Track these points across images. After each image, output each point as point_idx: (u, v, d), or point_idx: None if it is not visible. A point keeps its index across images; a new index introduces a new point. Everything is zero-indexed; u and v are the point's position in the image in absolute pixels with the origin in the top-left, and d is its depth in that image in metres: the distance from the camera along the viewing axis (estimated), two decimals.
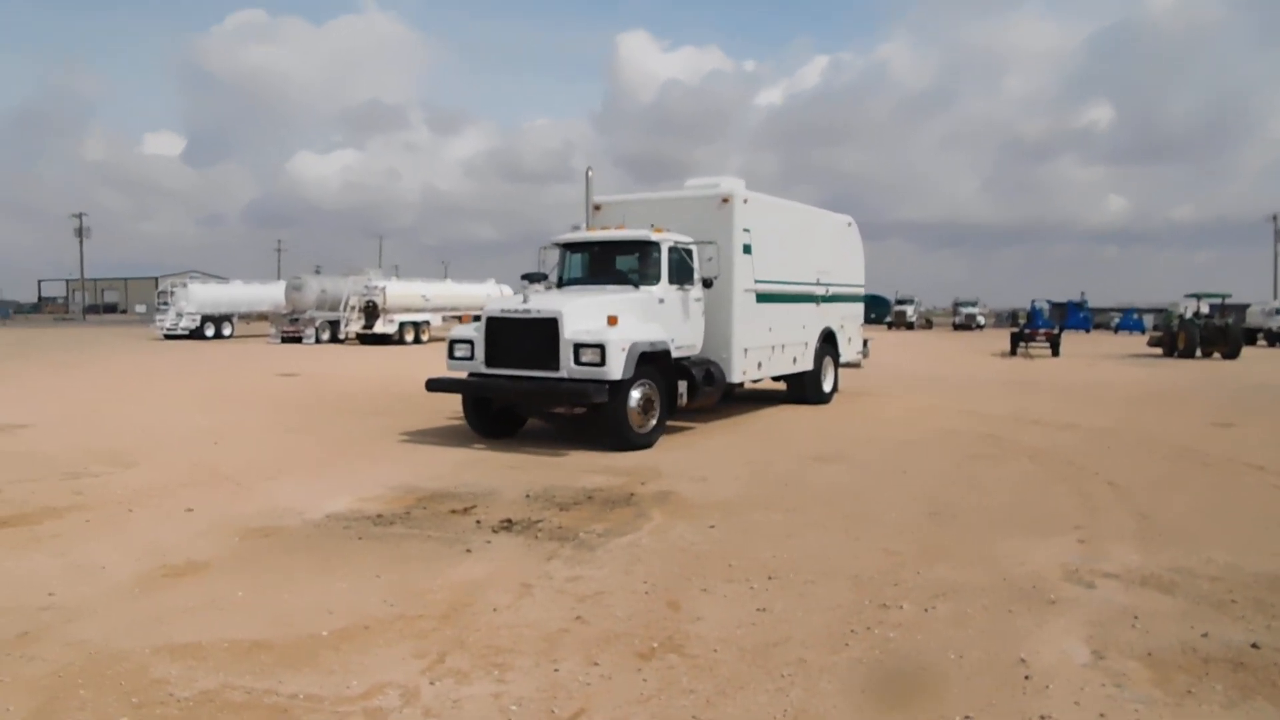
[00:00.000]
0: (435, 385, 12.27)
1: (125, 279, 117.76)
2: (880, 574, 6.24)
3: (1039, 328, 36.60)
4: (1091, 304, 68.34)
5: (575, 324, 11.15)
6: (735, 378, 13.42)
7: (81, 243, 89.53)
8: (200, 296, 44.45)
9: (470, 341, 11.95)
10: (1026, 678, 4.55)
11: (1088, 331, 63.12)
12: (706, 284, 12.84)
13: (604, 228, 13.56)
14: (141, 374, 23.92)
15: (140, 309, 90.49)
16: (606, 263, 13.05)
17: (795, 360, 15.36)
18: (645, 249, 12.59)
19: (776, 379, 15.66)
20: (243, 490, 8.90)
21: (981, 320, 68.89)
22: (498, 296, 37.26)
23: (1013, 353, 34.16)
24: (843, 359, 17.39)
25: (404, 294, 40.57)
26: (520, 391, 11.48)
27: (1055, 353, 33.54)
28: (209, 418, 14.27)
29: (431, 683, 4.45)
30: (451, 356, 12.14)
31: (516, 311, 11.60)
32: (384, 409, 15.45)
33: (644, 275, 12.46)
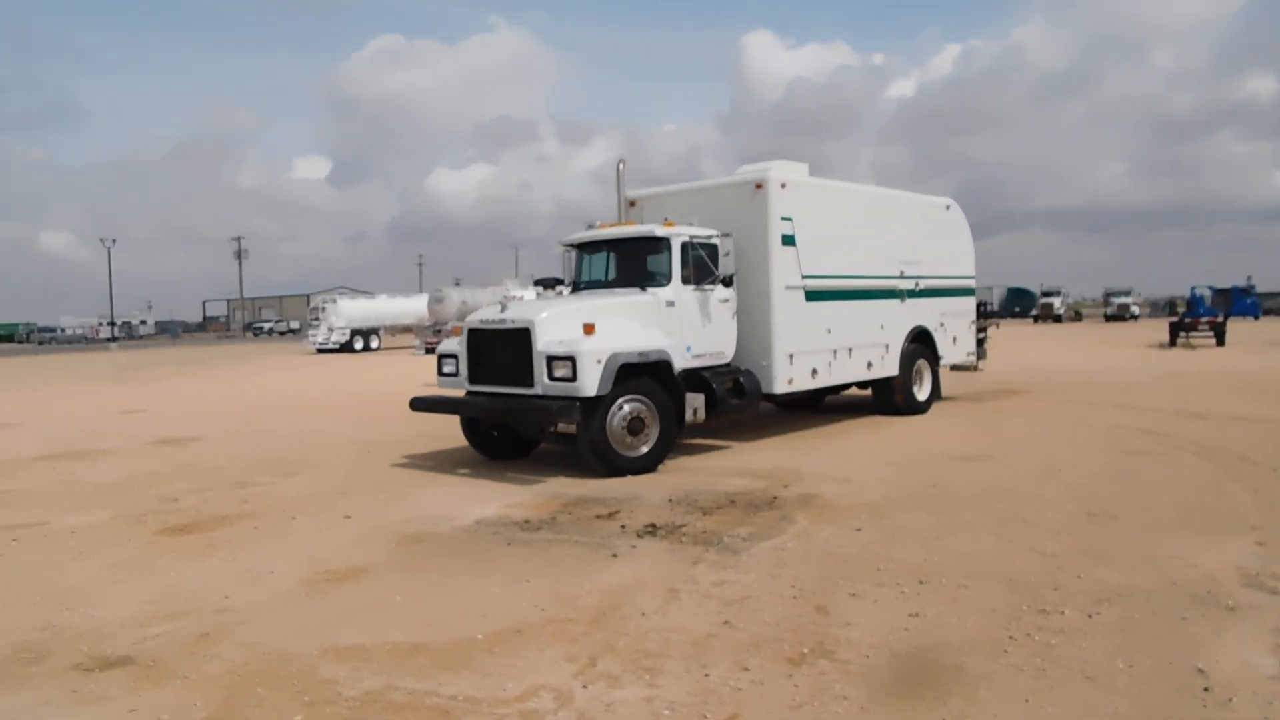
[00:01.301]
0: (419, 405, 11.46)
1: (279, 296, 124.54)
2: (1037, 577, 5.98)
3: (1200, 316, 34.37)
4: (1259, 289, 63.70)
5: (549, 334, 9.98)
6: (778, 388, 11.86)
7: (240, 265, 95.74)
8: (349, 311, 46.56)
9: (455, 356, 11.06)
10: (1206, 689, 4.27)
11: (1256, 318, 58.86)
12: (726, 282, 11.40)
13: (629, 223, 12.15)
14: (296, 387, 25.20)
15: (295, 325, 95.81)
16: (621, 264, 11.80)
17: (871, 365, 13.57)
18: (654, 246, 11.28)
19: (858, 385, 14.17)
20: (395, 498, 9.26)
21: (1136, 310, 65.07)
22: None
23: (1172, 343, 32.19)
24: (945, 361, 15.37)
25: None
26: (499, 410, 10.44)
27: (1220, 342, 31.43)
28: (360, 430, 14.92)
29: (584, 686, 4.52)
30: (440, 373, 11.32)
31: (493, 321, 10.61)
32: None
33: (654, 275, 11.25)
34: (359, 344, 45.94)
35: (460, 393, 11.09)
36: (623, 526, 7.68)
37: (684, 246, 11.13)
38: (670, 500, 8.63)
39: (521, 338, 10.13)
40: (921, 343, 14.72)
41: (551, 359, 9.79)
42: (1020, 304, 72.40)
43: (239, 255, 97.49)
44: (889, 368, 13.98)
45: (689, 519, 7.86)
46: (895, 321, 14.11)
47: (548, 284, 12.00)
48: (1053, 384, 18.77)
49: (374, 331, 47.17)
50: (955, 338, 15.61)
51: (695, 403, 10.74)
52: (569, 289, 12.41)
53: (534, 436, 11.22)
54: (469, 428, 11.42)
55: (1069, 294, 75.76)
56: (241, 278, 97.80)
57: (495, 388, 10.52)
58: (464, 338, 10.92)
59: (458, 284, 48.92)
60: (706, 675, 4.60)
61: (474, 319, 10.99)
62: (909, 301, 14.41)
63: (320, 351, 45.40)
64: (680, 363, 10.77)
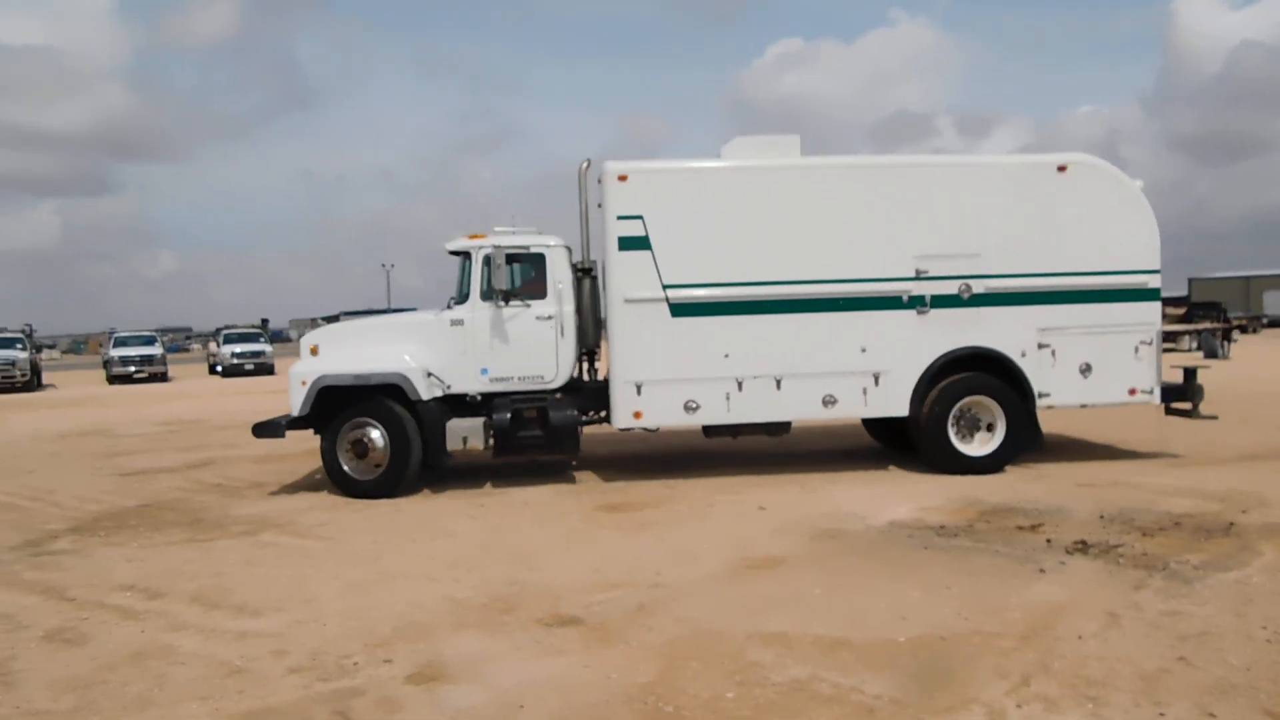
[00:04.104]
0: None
1: None
2: None
3: None
4: None
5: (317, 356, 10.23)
6: (620, 422, 10.08)
7: None
8: None
9: None
10: None
11: None
12: (492, 297, 10.05)
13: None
14: None
15: None
16: (459, 276, 10.59)
17: (836, 401, 10.12)
18: (462, 260, 10.40)
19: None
20: (807, 492, 9.44)
21: None
22: None
23: None
24: (1053, 401, 10.29)
25: None
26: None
27: None
28: None
29: (1018, 705, 4.29)
30: None
31: None
32: None
33: (460, 291, 10.37)
34: None
35: None
36: (1049, 541, 7.18)
37: (486, 259, 10.08)
38: (1102, 516, 7.92)
39: None
40: (984, 370, 10.29)
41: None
42: None
43: None
44: (885, 405, 10.25)
45: (1125, 539, 7.16)
46: (900, 340, 10.15)
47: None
48: None
49: None
50: (1086, 365, 10.26)
51: (465, 430, 9.90)
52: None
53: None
54: None
55: None
56: None
57: None
58: None
59: None
60: (1162, 715, 4.16)
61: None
62: (938, 313, 10.17)
63: None
64: (458, 386, 10.11)
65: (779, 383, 10.09)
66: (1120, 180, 10.43)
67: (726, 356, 9.99)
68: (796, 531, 7.75)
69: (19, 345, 32.01)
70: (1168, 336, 33.90)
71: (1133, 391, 10.30)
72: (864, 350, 10.11)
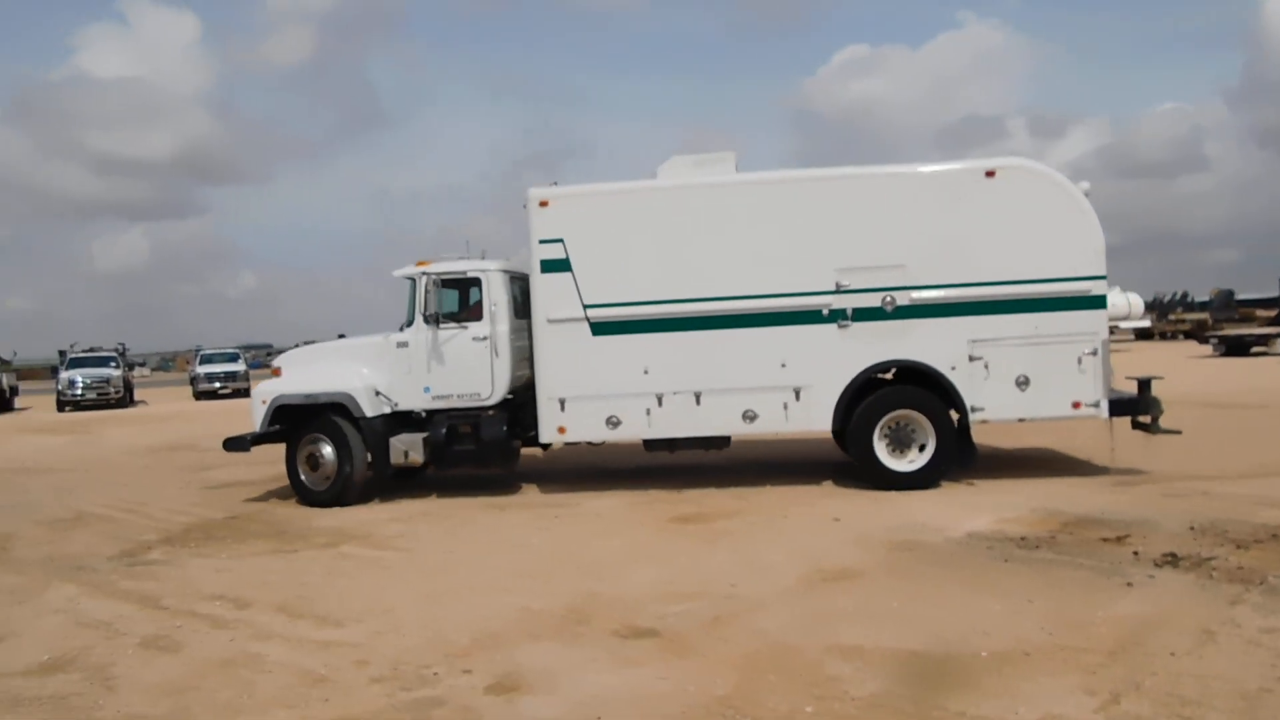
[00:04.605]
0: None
1: None
2: None
3: None
4: None
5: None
6: (545, 437, 10.46)
7: None
8: None
9: None
10: None
11: None
12: (431, 320, 10.53)
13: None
14: None
15: None
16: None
17: (757, 417, 10.11)
18: (411, 285, 10.87)
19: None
20: (882, 503, 9.31)
21: None
22: (1124, 306, 34.09)
23: None
24: (987, 415, 9.90)
25: None
26: None
27: None
28: None
29: None
30: None
31: None
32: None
33: (407, 316, 10.90)
34: None
35: None
36: (1135, 553, 6.96)
37: (427, 285, 10.57)
38: (1192, 528, 7.65)
39: None
40: (914, 383, 10.07)
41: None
42: None
43: None
44: (807, 420, 10.15)
45: (1219, 551, 6.91)
46: (819, 356, 10.00)
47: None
48: None
49: None
50: (1024, 377, 9.81)
51: (406, 445, 10.56)
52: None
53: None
54: None
55: None
56: None
57: None
58: None
59: None
60: None
61: None
62: (860, 326, 9.97)
63: None
64: (405, 403, 10.75)
65: (698, 398, 10.19)
66: (1057, 183, 9.99)
67: (646, 373, 10.19)
68: (872, 543, 7.65)
69: (113, 364, 33.26)
70: (1260, 339, 32.91)
71: (1076, 405, 9.85)
72: (784, 365, 10.07)
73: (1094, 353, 9.78)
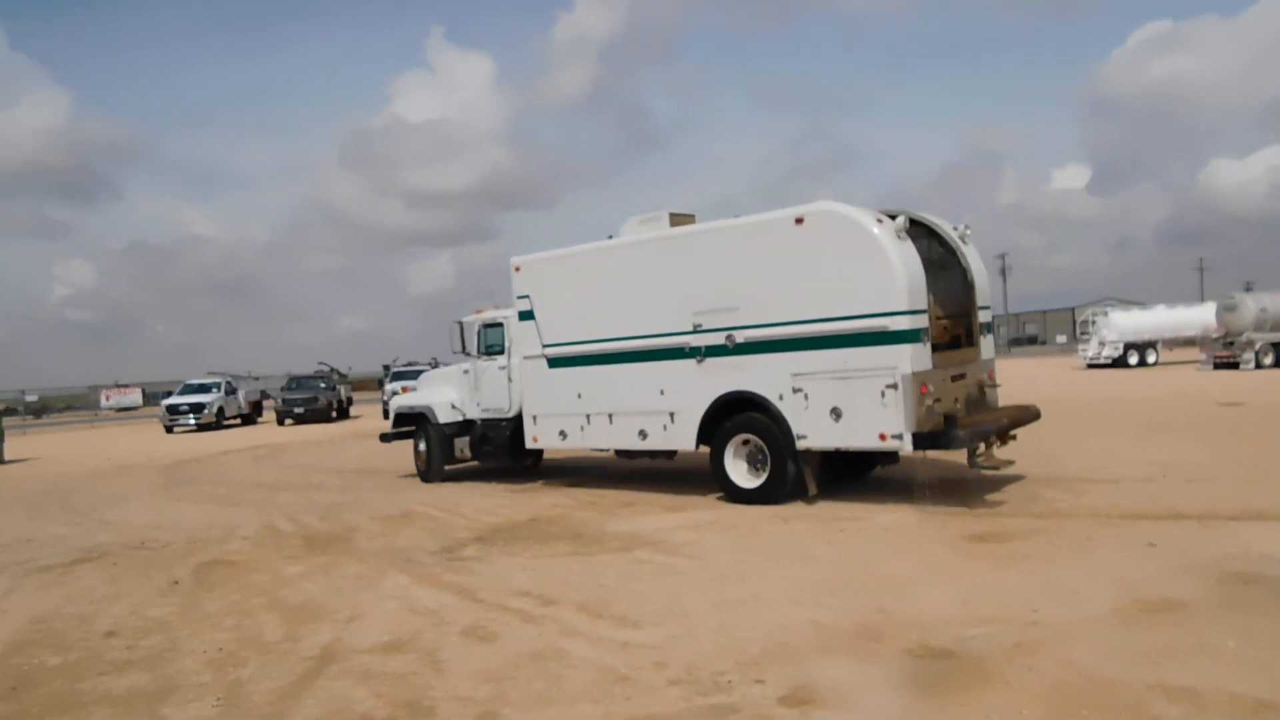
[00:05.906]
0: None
1: (1043, 311, 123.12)
2: None
3: None
4: None
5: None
6: (527, 443, 13.67)
7: (1005, 281, 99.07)
8: (1122, 324, 43.80)
9: None
10: None
11: None
12: (482, 354, 14.77)
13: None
14: (1074, 400, 24.54)
15: (1060, 339, 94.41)
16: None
17: (646, 435, 12.07)
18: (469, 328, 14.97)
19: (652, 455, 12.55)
20: (1208, 529, 8.41)
21: None
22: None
23: None
24: (810, 443, 10.50)
25: None
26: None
27: None
28: (1151, 448, 13.91)
29: None
30: None
31: None
32: None
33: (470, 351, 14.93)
34: (1133, 358, 42.90)
35: None
36: None
37: (478, 327, 14.68)
38: None
39: None
40: (757, 411, 10.94)
41: None
42: None
43: (1003, 272, 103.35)
44: (679, 439, 11.79)
45: None
46: (685, 386, 11.55)
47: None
48: None
49: (1151, 345, 43.59)
50: (836, 409, 10.22)
51: (462, 444, 14.91)
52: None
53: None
54: None
55: None
56: (1005, 294, 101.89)
57: None
58: None
59: (1249, 289, 42.66)
60: None
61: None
62: (712, 361, 11.29)
63: (1090, 366, 43.63)
64: (469, 414, 14.99)
65: (611, 418, 12.45)
66: (855, 224, 10.16)
67: (579, 397, 12.72)
68: (1198, 573, 6.92)
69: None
70: None
71: (883, 437, 9.97)
72: (663, 393, 11.82)
73: (894, 386, 9.86)
